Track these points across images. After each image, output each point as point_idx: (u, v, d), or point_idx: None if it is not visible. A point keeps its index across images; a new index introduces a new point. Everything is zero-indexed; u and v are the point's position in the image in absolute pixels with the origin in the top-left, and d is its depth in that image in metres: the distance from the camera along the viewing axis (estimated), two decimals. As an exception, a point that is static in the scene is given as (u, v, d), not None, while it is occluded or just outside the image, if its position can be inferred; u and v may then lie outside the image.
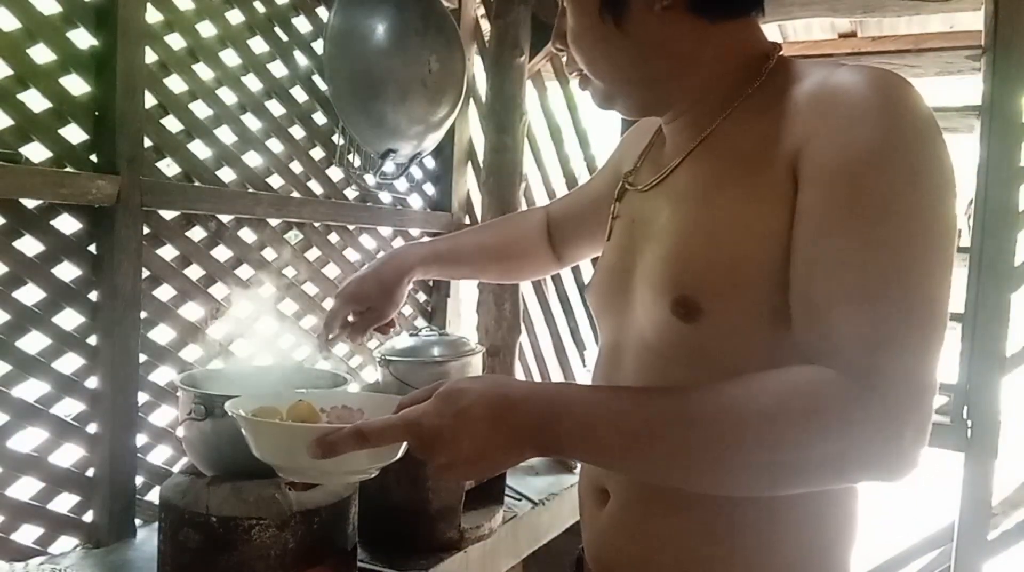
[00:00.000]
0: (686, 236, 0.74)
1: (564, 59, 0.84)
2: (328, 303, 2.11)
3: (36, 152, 1.42)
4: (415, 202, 2.40)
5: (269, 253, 1.91)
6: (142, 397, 1.60)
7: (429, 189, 2.47)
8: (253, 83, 1.84)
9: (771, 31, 2.67)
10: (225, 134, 1.78)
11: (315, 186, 2.04)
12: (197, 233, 1.73)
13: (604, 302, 0.89)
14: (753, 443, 0.61)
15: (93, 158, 1.50)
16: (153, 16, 1.58)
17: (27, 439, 1.43)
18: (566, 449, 0.65)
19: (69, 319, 1.48)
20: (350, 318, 1.14)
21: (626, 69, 0.79)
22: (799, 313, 0.66)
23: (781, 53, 0.79)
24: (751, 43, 0.79)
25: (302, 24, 1.98)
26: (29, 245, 1.42)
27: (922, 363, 0.62)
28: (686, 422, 0.63)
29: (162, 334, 1.66)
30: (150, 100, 1.58)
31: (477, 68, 2.50)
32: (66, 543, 1.51)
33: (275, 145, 1.91)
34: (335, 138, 2.06)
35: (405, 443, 0.71)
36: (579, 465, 1.00)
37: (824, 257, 0.64)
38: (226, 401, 0.84)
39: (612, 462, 0.69)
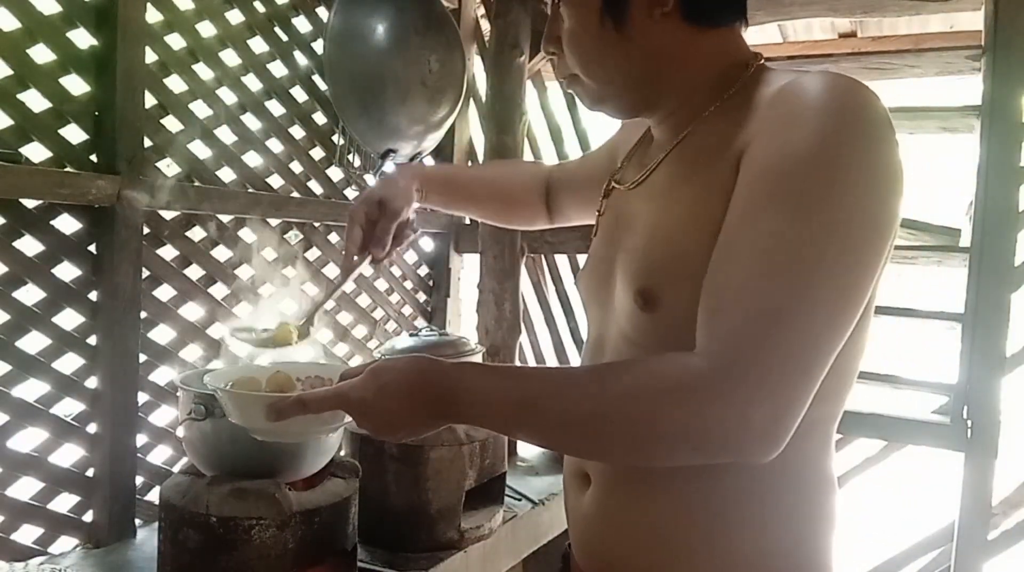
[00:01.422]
0: (651, 230, 0.80)
1: (554, 62, 0.87)
2: (328, 304, 2.12)
3: (36, 152, 1.42)
4: (415, 202, 2.40)
5: (269, 253, 1.92)
6: (142, 397, 1.60)
7: (429, 189, 2.46)
8: (253, 83, 1.85)
9: (771, 31, 2.67)
10: (225, 134, 1.78)
11: (315, 186, 2.04)
12: (197, 233, 1.73)
13: (590, 295, 0.94)
14: (614, 416, 0.67)
15: (93, 158, 1.50)
16: (153, 16, 1.58)
17: (27, 439, 1.44)
18: (464, 417, 0.75)
19: (69, 319, 1.48)
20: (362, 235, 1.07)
21: (620, 72, 0.81)
22: (703, 295, 0.70)
23: (763, 62, 0.83)
24: (734, 52, 0.83)
25: (302, 24, 1.98)
26: (29, 245, 1.42)
27: (790, 356, 0.62)
28: (554, 396, 0.70)
29: (162, 334, 1.67)
30: (150, 100, 1.59)
31: (477, 68, 2.50)
32: (66, 543, 1.51)
33: (275, 145, 1.91)
34: (335, 138, 2.06)
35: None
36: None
37: (732, 244, 0.67)
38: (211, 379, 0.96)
39: (501, 429, 0.78)
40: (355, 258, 1.03)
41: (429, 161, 2.43)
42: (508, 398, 0.72)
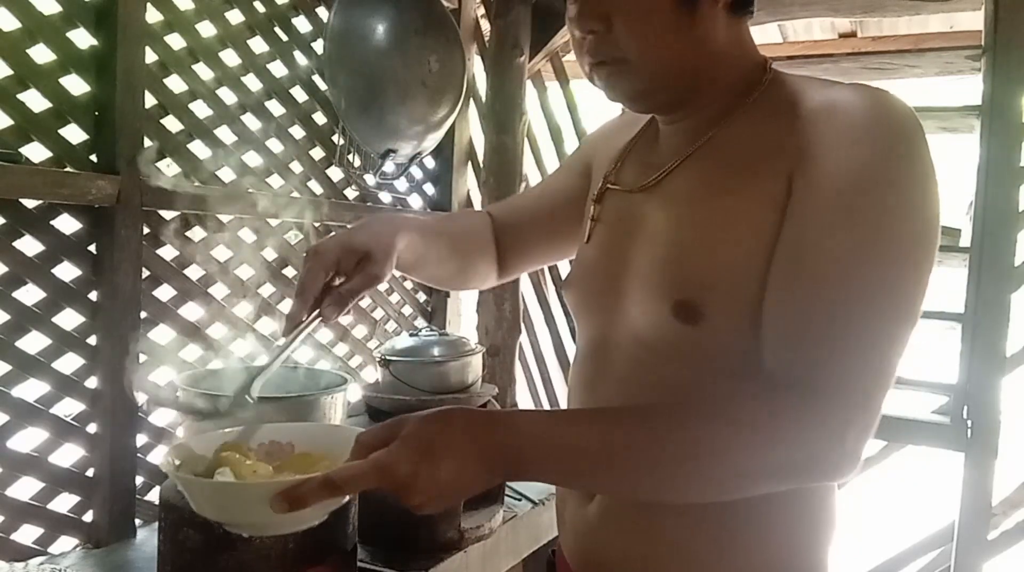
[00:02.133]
0: (685, 240, 0.76)
1: (587, 43, 0.76)
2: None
3: (36, 152, 1.42)
4: (415, 202, 2.40)
5: (269, 253, 1.91)
6: (142, 397, 1.60)
7: (429, 189, 2.47)
8: (253, 83, 1.84)
9: (771, 31, 2.67)
10: (225, 134, 1.78)
11: (315, 186, 2.04)
12: (197, 233, 1.73)
13: (588, 301, 0.89)
14: (707, 459, 0.64)
15: (93, 158, 1.50)
16: (153, 16, 1.58)
17: (27, 439, 1.43)
18: (529, 473, 0.67)
19: (69, 319, 1.48)
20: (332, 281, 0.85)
21: (679, 61, 0.76)
22: (770, 309, 0.68)
23: (771, 66, 0.81)
24: (752, 51, 0.81)
25: (302, 24, 1.98)
26: (29, 245, 1.42)
27: (875, 377, 0.64)
28: (637, 444, 0.65)
29: (162, 334, 1.67)
30: (150, 100, 1.58)
31: (477, 68, 2.50)
32: (66, 543, 1.51)
33: (275, 145, 1.91)
34: (335, 138, 2.06)
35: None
36: None
37: (809, 263, 0.66)
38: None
39: (571, 481, 0.72)
40: (305, 316, 0.80)
41: (429, 161, 2.43)
42: (582, 448, 0.65)
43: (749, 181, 0.72)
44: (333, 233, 0.88)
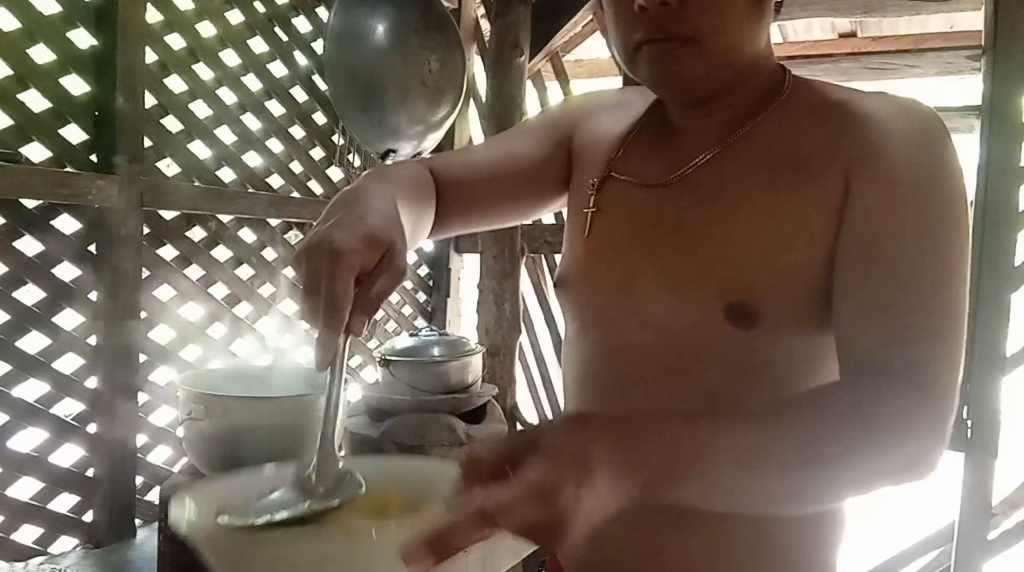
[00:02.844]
0: (735, 239, 0.72)
1: (652, 16, 0.68)
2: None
3: (36, 152, 1.42)
4: (415, 202, 2.40)
5: (269, 253, 1.91)
6: (142, 397, 1.60)
7: (429, 189, 2.46)
8: (253, 83, 1.85)
9: (771, 31, 2.68)
10: (225, 134, 1.78)
11: (315, 186, 2.04)
12: (197, 233, 1.73)
13: (597, 301, 0.81)
14: (853, 462, 0.60)
15: (93, 158, 1.50)
16: (153, 16, 1.58)
17: (27, 439, 1.43)
18: (683, 479, 0.54)
19: (69, 319, 1.48)
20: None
21: (749, 46, 0.73)
22: (854, 308, 0.67)
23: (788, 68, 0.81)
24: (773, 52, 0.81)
25: (302, 24, 1.98)
26: (29, 245, 1.42)
27: (957, 361, 0.66)
28: (794, 444, 0.58)
29: (162, 334, 1.66)
30: (150, 100, 1.59)
31: (477, 68, 2.50)
32: (66, 543, 1.51)
33: (275, 145, 1.91)
34: (335, 138, 2.06)
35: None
36: None
37: (893, 265, 0.67)
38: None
39: (720, 498, 0.59)
40: (341, 338, 0.60)
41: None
42: (752, 449, 0.56)
43: (800, 182, 0.71)
44: (321, 223, 0.64)
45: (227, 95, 1.78)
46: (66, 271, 1.48)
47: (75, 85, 1.47)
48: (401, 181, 0.78)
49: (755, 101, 0.76)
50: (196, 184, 1.70)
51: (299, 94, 1.98)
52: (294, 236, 1.98)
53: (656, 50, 0.70)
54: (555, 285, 0.87)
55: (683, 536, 0.76)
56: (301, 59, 1.97)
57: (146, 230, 1.58)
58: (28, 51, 1.39)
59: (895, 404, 0.62)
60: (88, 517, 1.53)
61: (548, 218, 2.44)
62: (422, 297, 2.51)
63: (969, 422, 1.86)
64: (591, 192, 0.83)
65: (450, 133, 2.33)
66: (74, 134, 1.47)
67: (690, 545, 0.75)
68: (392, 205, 0.69)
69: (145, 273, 1.59)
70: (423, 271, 2.53)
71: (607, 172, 0.83)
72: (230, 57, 1.79)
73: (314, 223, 0.65)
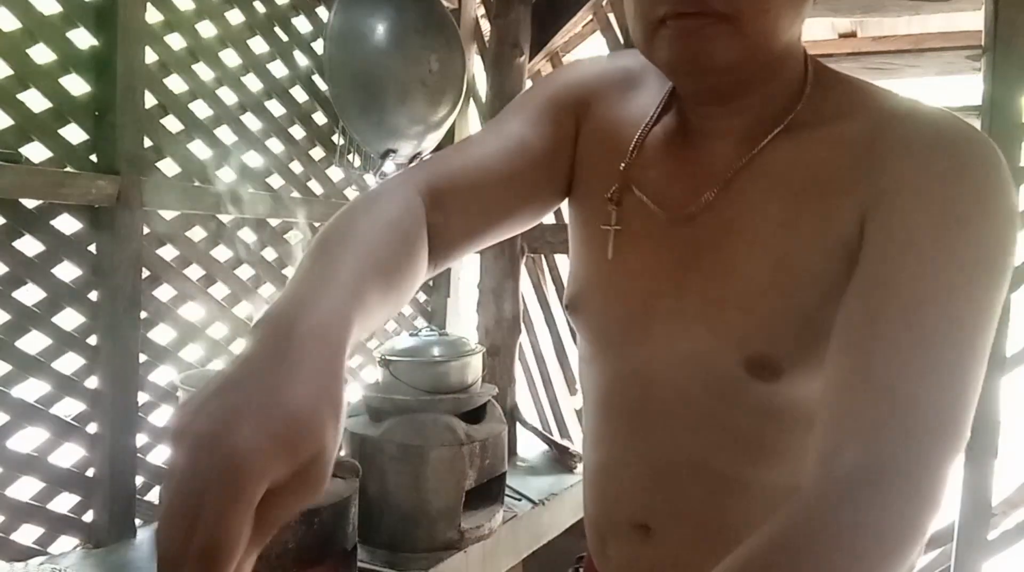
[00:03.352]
0: (751, 279, 0.65)
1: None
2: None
3: (36, 152, 1.42)
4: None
5: (269, 253, 1.92)
6: (142, 397, 1.60)
7: (429, 189, 2.46)
8: (253, 83, 1.85)
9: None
10: (225, 134, 1.78)
11: (315, 186, 2.04)
12: (197, 233, 1.73)
13: (615, 328, 0.75)
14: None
15: (93, 158, 1.50)
16: (153, 16, 1.58)
17: (27, 439, 1.43)
18: None
19: (69, 319, 1.48)
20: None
21: (782, 31, 0.63)
22: (839, 381, 0.57)
23: (808, 58, 0.69)
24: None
25: (302, 24, 1.98)
26: (29, 245, 1.42)
27: (952, 458, 0.55)
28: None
29: (162, 334, 1.67)
30: (150, 100, 1.59)
31: (477, 68, 2.50)
32: (66, 543, 1.51)
33: (275, 145, 1.91)
34: (335, 138, 2.06)
35: None
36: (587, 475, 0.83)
37: (877, 339, 0.55)
38: None
39: None
40: None
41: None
42: None
43: (815, 218, 0.63)
44: (219, 383, 0.42)
45: (227, 95, 1.78)
46: (66, 271, 1.48)
47: (75, 85, 1.47)
48: (371, 252, 0.59)
49: (781, 103, 0.68)
50: (196, 184, 1.70)
51: (299, 94, 1.98)
52: (294, 236, 1.98)
53: (683, 26, 0.60)
54: (567, 306, 0.79)
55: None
56: (301, 59, 1.97)
57: (146, 230, 1.58)
58: (28, 51, 1.39)
59: (876, 512, 0.50)
60: (88, 517, 1.53)
61: (548, 218, 2.44)
62: (422, 297, 2.51)
63: (969, 422, 1.85)
64: (612, 209, 0.74)
65: (450, 133, 2.33)
66: (74, 134, 1.48)
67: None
68: (336, 355, 0.46)
69: (145, 273, 1.59)
70: (423, 271, 2.53)
71: (624, 182, 0.74)
72: (230, 57, 1.79)
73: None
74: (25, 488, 1.44)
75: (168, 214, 1.65)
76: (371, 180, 2.12)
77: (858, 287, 0.58)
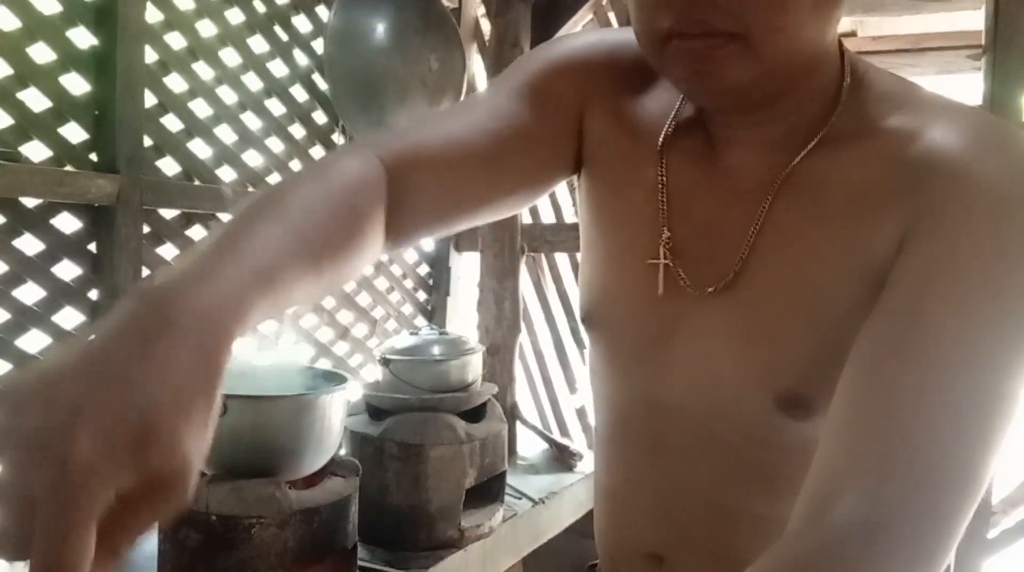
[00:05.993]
0: (787, 317, 0.61)
1: (687, 6, 0.54)
2: (328, 302, 2.12)
3: (36, 151, 1.42)
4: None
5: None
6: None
7: (429, 188, 2.46)
8: (253, 82, 1.85)
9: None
10: (225, 133, 1.78)
11: (315, 185, 2.04)
12: (197, 232, 1.73)
13: (631, 349, 0.70)
14: None
15: (93, 157, 1.50)
16: (153, 15, 1.58)
17: (27, 438, 1.44)
18: None
19: (69, 318, 1.48)
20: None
21: (803, 46, 0.56)
22: (842, 426, 0.51)
23: (847, 59, 0.63)
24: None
25: (302, 23, 1.98)
26: (29, 244, 1.42)
27: (964, 521, 0.48)
28: None
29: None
30: (150, 99, 1.59)
31: (477, 67, 2.50)
32: (66, 542, 1.51)
33: (275, 144, 1.91)
34: (335, 138, 2.06)
35: None
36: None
37: (898, 375, 0.50)
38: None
39: None
40: None
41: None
42: None
43: (851, 243, 0.58)
44: (62, 368, 0.35)
45: (227, 94, 1.78)
46: (66, 270, 1.48)
47: (75, 84, 1.47)
48: (301, 226, 0.53)
49: (809, 112, 0.62)
50: (196, 183, 1.70)
51: (299, 93, 1.98)
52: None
53: (688, 48, 0.55)
54: (583, 319, 0.75)
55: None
56: (301, 58, 1.97)
57: (146, 230, 1.58)
58: (28, 50, 1.39)
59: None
60: (88, 516, 1.53)
61: (548, 217, 2.44)
62: (422, 296, 2.51)
63: (969, 421, 1.85)
64: (661, 244, 0.66)
65: (450, 132, 2.33)
66: (74, 133, 1.48)
67: None
68: (217, 345, 0.39)
69: (145, 273, 1.59)
70: (423, 270, 2.53)
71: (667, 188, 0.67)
72: (230, 56, 1.79)
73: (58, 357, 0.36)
74: (25, 487, 1.44)
75: (168, 213, 1.66)
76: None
77: (885, 310, 0.53)
